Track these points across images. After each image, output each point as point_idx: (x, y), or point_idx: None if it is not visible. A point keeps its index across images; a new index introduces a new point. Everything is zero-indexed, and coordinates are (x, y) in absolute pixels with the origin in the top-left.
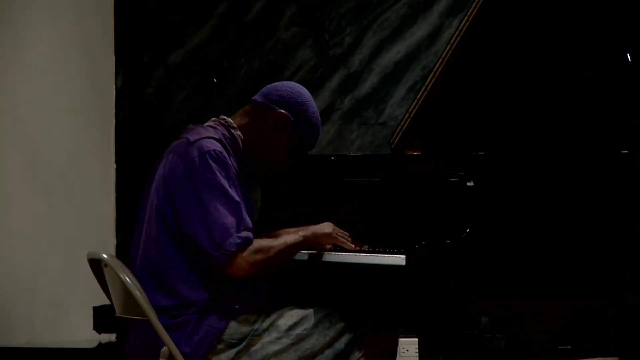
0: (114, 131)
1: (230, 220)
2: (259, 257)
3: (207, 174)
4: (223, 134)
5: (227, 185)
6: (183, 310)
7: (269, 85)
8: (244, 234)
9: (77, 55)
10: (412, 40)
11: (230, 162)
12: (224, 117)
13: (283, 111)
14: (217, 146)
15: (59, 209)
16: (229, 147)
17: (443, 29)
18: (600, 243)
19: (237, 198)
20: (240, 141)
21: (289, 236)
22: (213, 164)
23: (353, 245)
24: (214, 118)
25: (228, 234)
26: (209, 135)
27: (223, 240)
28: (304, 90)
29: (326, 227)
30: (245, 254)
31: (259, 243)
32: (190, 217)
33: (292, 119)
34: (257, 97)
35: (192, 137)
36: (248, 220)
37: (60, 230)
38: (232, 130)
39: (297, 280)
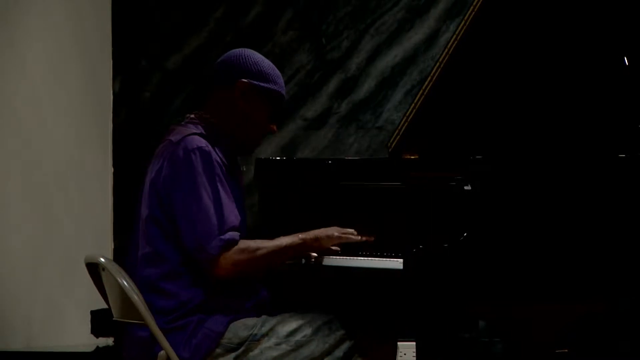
0: (112, 135)
1: (213, 221)
2: (242, 256)
3: (190, 174)
4: (205, 127)
5: (210, 185)
6: (181, 311)
7: (213, 65)
8: (228, 235)
9: (75, 59)
10: (410, 44)
11: (216, 157)
12: (196, 111)
13: (242, 79)
14: (202, 142)
15: (57, 212)
16: (212, 139)
17: (440, 33)
18: (599, 244)
19: (220, 196)
20: (219, 129)
21: (285, 238)
22: (196, 163)
23: (359, 237)
24: (188, 115)
25: (211, 236)
26: (191, 132)
27: (206, 243)
28: (248, 51)
29: (330, 230)
30: (228, 254)
31: (245, 243)
32: (178, 220)
33: (255, 82)
34: (211, 80)
35: (174, 138)
36: (233, 218)
37: (57, 234)
38: (212, 121)
39: (297, 286)
